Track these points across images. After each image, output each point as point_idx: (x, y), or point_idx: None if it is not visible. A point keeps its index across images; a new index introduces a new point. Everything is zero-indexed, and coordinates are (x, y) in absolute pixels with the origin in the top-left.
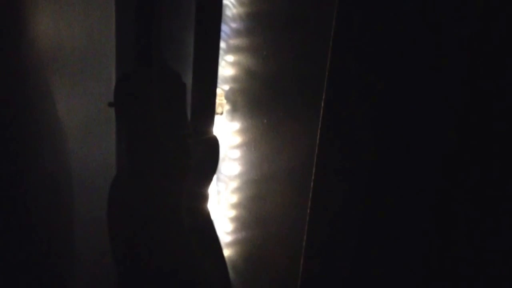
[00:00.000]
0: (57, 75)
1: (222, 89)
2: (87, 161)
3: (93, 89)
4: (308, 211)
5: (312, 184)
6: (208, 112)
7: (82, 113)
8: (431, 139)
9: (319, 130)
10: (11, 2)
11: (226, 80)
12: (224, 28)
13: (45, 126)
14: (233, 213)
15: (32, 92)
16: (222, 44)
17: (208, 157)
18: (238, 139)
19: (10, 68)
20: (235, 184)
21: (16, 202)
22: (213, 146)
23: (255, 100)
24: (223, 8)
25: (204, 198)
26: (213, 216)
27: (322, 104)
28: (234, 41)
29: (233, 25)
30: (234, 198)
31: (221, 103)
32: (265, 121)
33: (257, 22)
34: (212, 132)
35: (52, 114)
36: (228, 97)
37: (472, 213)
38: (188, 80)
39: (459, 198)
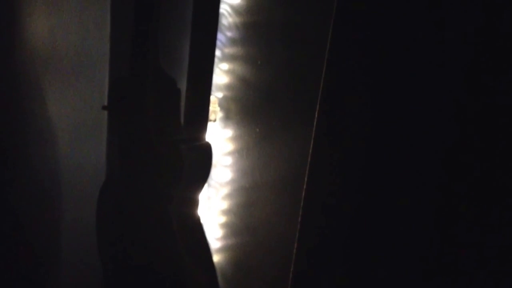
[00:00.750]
0: (50, 77)
1: (216, 97)
2: (77, 164)
3: (85, 92)
4: (299, 219)
5: (304, 193)
6: (201, 118)
7: (74, 116)
8: (427, 145)
9: (312, 140)
10: (6, 2)
11: (220, 88)
12: (220, 36)
13: (36, 127)
14: (223, 219)
15: (24, 93)
16: (217, 52)
17: (200, 163)
18: (230, 146)
19: (1, 68)
20: (226, 190)
21: (4, 205)
22: (206, 152)
23: (248, 109)
24: (219, 17)
25: (195, 203)
26: (203, 222)
27: (316, 115)
28: (229, 50)
29: (229, 34)
30: (225, 205)
31: (215, 110)
32: (258, 129)
33: (252, 32)
34: (205, 138)
35: (43, 116)
36: (222, 104)
37: (471, 211)
38: (183, 86)
39: (458, 197)
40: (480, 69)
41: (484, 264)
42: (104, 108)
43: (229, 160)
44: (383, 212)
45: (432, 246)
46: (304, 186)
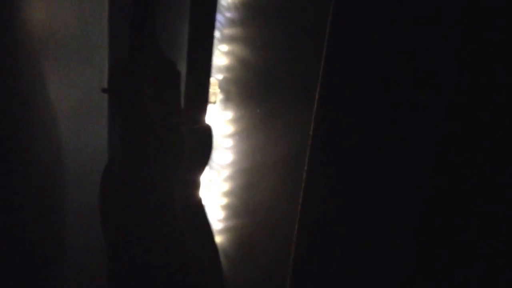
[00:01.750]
0: (49, 61)
1: (216, 79)
2: (79, 148)
3: (85, 75)
4: (300, 200)
5: (304, 174)
6: (201, 101)
7: (75, 99)
8: (426, 131)
9: (313, 120)
10: None
11: (220, 70)
12: (219, 17)
13: (37, 112)
14: (224, 201)
15: (24, 78)
16: (217, 34)
17: (201, 145)
18: (231, 128)
19: (3, 59)
20: (227, 172)
21: (7, 191)
22: (206, 135)
23: (248, 90)
24: None
25: (196, 185)
26: (205, 204)
27: (316, 96)
28: (228, 31)
29: (228, 14)
30: (226, 186)
31: (215, 92)
32: (258, 111)
33: (252, 13)
34: (205, 121)
35: (44, 100)
36: (222, 86)
37: (465, 211)
38: (182, 68)
39: (451, 196)
40: (473, 74)
41: (480, 265)
42: (103, 90)
43: (230, 142)
44: (384, 191)
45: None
46: (305, 167)
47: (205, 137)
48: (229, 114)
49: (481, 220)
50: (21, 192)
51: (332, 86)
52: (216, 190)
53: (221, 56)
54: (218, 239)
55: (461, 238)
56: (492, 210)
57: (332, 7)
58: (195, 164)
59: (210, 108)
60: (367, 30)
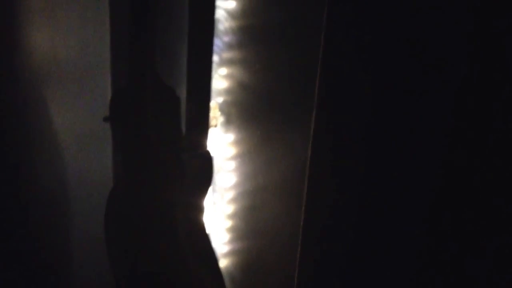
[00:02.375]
0: (52, 88)
1: (216, 102)
2: (84, 174)
3: (89, 102)
4: (302, 222)
5: (305, 195)
6: (202, 125)
7: (78, 125)
8: (426, 144)
9: (310, 142)
10: (7, 16)
11: (220, 93)
12: (217, 41)
13: (41, 139)
14: (229, 223)
15: (28, 105)
16: (215, 57)
17: (202, 170)
18: (233, 151)
19: (5, 81)
20: (230, 195)
21: (12, 215)
22: (206, 160)
23: (248, 113)
24: (216, 22)
25: (199, 209)
26: (209, 227)
27: (313, 117)
28: (227, 55)
29: (226, 38)
30: (230, 209)
31: (215, 116)
32: (259, 133)
33: (249, 36)
34: (206, 145)
35: (48, 127)
36: (222, 109)
37: (468, 212)
38: (182, 93)
39: (455, 199)
40: (475, 73)
41: (483, 264)
42: (105, 119)
43: (233, 164)
44: (384, 213)
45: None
46: (305, 189)
47: (206, 162)
48: (231, 137)
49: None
50: (26, 220)
51: (329, 106)
52: (220, 212)
53: (221, 80)
54: (224, 262)
55: (469, 234)
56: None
57: (325, 28)
58: (197, 188)
59: (211, 131)
60: (363, 48)
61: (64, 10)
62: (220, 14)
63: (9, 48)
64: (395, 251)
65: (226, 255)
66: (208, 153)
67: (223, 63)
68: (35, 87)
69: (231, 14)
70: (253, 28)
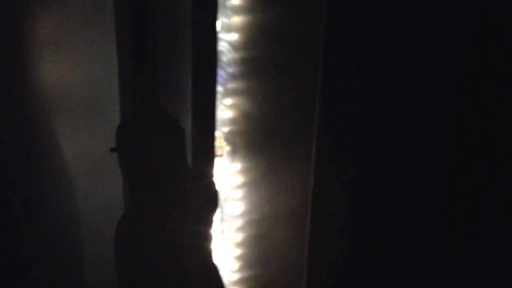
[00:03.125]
0: (60, 120)
1: (221, 132)
2: (94, 204)
3: (97, 132)
4: (307, 251)
5: (308, 224)
6: (207, 155)
7: (88, 156)
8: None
9: (313, 171)
10: (15, 50)
11: (225, 123)
12: (221, 73)
13: (51, 170)
14: (238, 252)
15: (37, 137)
16: (220, 88)
17: (207, 201)
18: (239, 180)
19: (14, 115)
20: (238, 223)
21: (23, 245)
22: (211, 190)
23: (253, 142)
24: (219, 53)
25: (206, 238)
26: (217, 255)
27: (314, 148)
28: (231, 85)
29: (229, 69)
30: (238, 237)
31: (221, 145)
32: (264, 162)
33: (252, 67)
34: (212, 175)
35: (57, 159)
36: (228, 138)
37: (475, 214)
38: (187, 124)
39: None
40: (476, 73)
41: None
42: (112, 150)
43: (240, 193)
44: (391, 240)
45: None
46: (308, 218)
47: (211, 191)
48: (237, 166)
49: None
50: (38, 249)
51: (330, 137)
52: (228, 241)
53: (226, 110)
54: None
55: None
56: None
57: (323, 59)
58: (203, 218)
59: (217, 160)
60: (364, 76)
61: (71, 43)
62: (223, 46)
63: (17, 82)
64: (404, 271)
65: (235, 283)
66: (212, 183)
67: (227, 93)
68: (43, 120)
69: (233, 46)
70: (255, 60)
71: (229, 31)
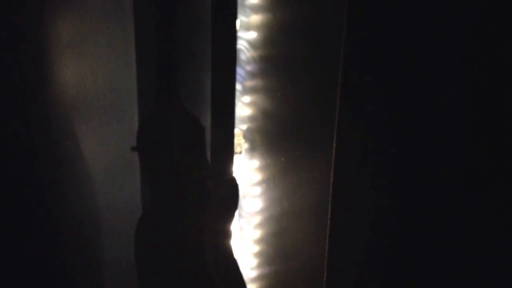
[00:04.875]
0: (81, 120)
1: (240, 129)
2: (113, 203)
3: (117, 133)
4: (327, 247)
5: (328, 220)
6: (227, 152)
7: (107, 156)
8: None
9: (332, 168)
10: (38, 51)
11: (243, 120)
12: (240, 71)
13: (70, 171)
14: (256, 248)
15: (58, 138)
16: (238, 86)
17: (228, 197)
18: (258, 177)
19: (36, 115)
20: (257, 220)
21: (43, 246)
22: (232, 187)
23: (272, 139)
24: (238, 52)
25: (226, 235)
26: (236, 252)
27: (334, 144)
28: (249, 83)
29: (248, 68)
30: (257, 234)
31: (240, 143)
32: (283, 159)
33: (270, 65)
34: (232, 172)
35: (78, 159)
36: (246, 136)
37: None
38: (207, 122)
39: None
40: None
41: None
42: (133, 149)
43: (258, 190)
44: (410, 234)
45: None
46: (329, 215)
47: (231, 189)
48: (256, 163)
49: None
50: (57, 248)
51: (349, 133)
52: (247, 237)
53: (244, 107)
54: (252, 287)
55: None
56: None
57: (342, 58)
58: (223, 214)
59: (236, 158)
60: (381, 75)
61: (91, 44)
62: (242, 44)
63: (39, 83)
64: (424, 268)
65: (254, 280)
66: (233, 180)
67: (246, 91)
68: (65, 120)
69: (252, 45)
70: (274, 58)
71: (248, 30)
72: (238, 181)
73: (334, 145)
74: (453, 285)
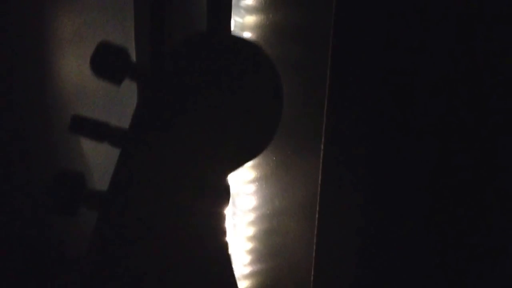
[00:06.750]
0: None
1: None
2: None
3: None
4: (314, 246)
5: (316, 220)
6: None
7: (107, 154)
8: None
9: (320, 167)
10: (39, 47)
11: None
12: None
13: (70, 167)
14: (249, 245)
15: (57, 135)
16: None
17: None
18: (251, 174)
19: (34, 109)
20: (250, 218)
21: (37, 248)
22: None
23: None
24: None
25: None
26: (231, 249)
27: (322, 145)
28: None
29: None
30: (250, 231)
31: None
32: (274, 158)
33: None
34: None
35: (77, 157)
36: None
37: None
38: None
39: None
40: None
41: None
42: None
43: (251, 187)
44: (399, 235)
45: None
46: (317, 214)
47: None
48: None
49: None
50: (52, 250)
51: (338, 133)
52: (240, 235)
53: None
54: (244, 283)
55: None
56: None
57: (331, 56)
58: (215, 212)
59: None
60: (368, 81)
61: (92, 40)
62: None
63: (39, 80)
64: (411, 267)
65: (246, 276)
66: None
67: None
68: (63, 114)
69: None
70: None
71: (242, 30)
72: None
73: (322, 145)
74: (442, 284)
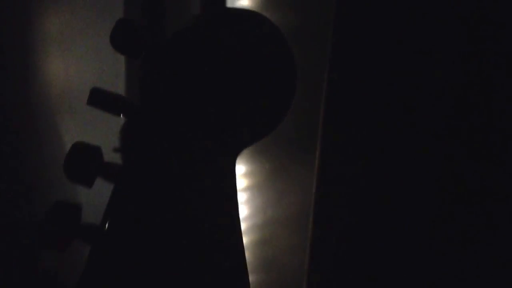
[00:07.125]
0: (67, 117)
1: None
2: (101, 204)
3: (103, 130)
4: (308, 257)
5: (310, 230)
6: None
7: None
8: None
9: (315, 177)
10: (23, 47)
11: None
12: None
13: (56, 170)
14: None
15: (43, 135)
16: None
17: None
18: (244, 183)
19: (20, 112)
20: (242, 227)
21: (29, 248)
22: None
23: (257, 145)
24: None
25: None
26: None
27: (317, 153)
28: None
29: None
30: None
31: None
32: (267, 166)
33: None
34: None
35: (63, 157)
36: None
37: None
38: None
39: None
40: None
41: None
42: (115, 150)
43: (244, 196)
44: (393, 246)
45: None
46: (310, 225)
47: None
48: (242, 168)
49: None
50: (46, 250)
51: (334, 142)
52: None
53: None
54: None
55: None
56: None
57: (328, 67)
58: None
59: None
60: (364, 90)
61: (79, 40)
62: None
63: (24, 80)
64: (407, 279)
65: None
66: None
67: None
68: (49, 116)
69: None
70: None
71: None
72: None
73: (318, 153)
74: None
